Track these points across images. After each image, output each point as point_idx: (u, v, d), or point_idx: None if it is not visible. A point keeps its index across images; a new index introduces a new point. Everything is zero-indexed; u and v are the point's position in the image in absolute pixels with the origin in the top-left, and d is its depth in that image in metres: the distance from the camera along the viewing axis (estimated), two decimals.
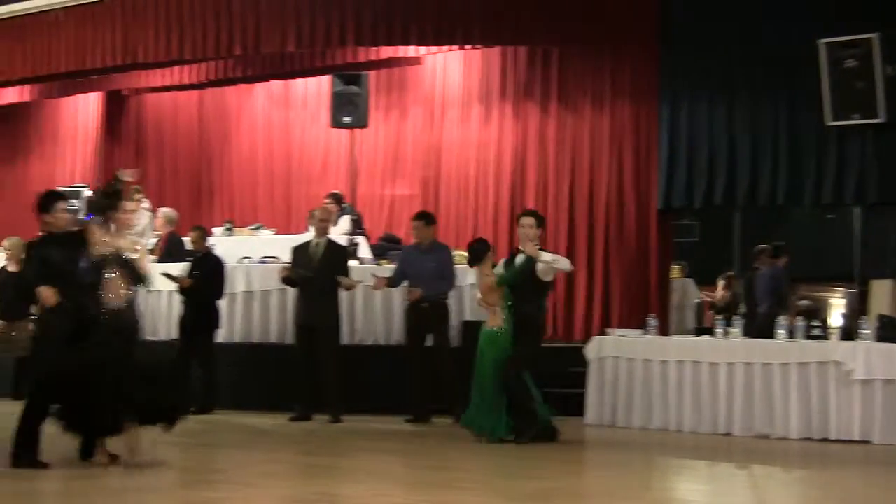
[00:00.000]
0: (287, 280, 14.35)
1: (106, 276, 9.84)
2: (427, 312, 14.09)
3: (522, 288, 12.28)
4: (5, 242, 16.45)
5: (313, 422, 13.78)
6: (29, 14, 18.79)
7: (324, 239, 14.23)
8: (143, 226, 17.21)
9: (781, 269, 17.20)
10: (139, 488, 9.29)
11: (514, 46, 17.82)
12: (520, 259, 12.40)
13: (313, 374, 13.94)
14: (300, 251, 14.31)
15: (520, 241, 12.79)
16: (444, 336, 14.20)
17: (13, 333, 15.58)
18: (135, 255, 10.11)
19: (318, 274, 13.99)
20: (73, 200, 18.04)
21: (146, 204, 18.48)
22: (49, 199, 10.19)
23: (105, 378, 9.70)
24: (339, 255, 14.44)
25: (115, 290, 9.85)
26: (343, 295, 14.61)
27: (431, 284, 14.09)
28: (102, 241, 9.89)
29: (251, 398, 14.74)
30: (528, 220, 12.50)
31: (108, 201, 10.11)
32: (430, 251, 14.35)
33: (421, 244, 14.43)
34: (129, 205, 10.46)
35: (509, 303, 12.19)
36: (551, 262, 12.30)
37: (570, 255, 17.33)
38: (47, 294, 9.77)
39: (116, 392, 9.71)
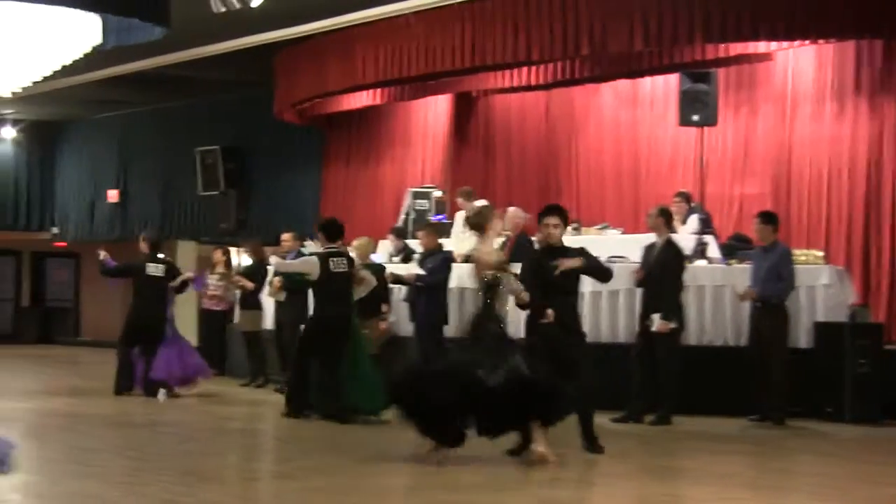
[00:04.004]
0: (637, 281, 14.23)
1: None
2: (760, 313, 14.00)
3: None
4: (354, 242, 16.70)
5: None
6: (381, 19, 19.27)
7: (662, 238, 14.05)
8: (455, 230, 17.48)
9: None
10: (491, 485, 9.36)
11: (871, 39, 17.27)
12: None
13: (651, 375, 13.75)
14: (647, 251, 14.21)
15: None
16: (773, 338, 13.86)
17: (365, 331, 15.95)
18: None
19: (653, 273, 13.87)
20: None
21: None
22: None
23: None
24: (671, 255, 14.17)
25: None
26: (691, 295, 14.50)
27: (763, 285, 13.97)
28: None
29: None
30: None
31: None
32: (768, 251, 14.20)
33: (765, 245, 14.24)
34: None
35: None
36: None
37: None
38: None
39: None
